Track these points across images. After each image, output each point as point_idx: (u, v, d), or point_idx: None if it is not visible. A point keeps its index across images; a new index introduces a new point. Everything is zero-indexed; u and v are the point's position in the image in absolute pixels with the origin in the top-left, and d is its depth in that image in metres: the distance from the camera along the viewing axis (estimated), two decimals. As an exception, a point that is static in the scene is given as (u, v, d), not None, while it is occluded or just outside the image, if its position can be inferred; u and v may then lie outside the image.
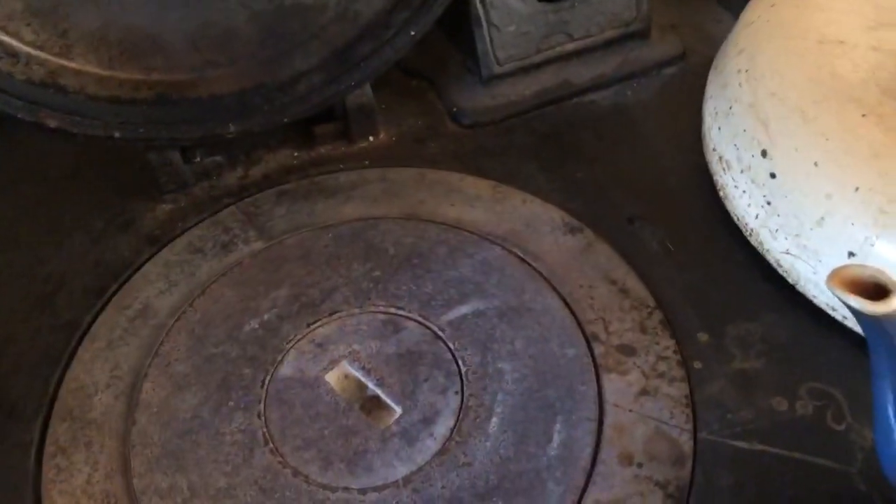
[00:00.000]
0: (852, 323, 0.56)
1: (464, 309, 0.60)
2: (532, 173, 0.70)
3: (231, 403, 0.56)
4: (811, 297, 0.58)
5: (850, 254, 0.54)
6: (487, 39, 0.72)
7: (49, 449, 0.55)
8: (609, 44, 0.77)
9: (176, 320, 0.61)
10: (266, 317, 0.60)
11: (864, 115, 0.56)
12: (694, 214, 0.66)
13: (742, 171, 0.62)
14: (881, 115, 0.55)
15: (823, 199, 0.56)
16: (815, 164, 0.56)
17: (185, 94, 0.63)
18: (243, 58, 0.64)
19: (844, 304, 0.38)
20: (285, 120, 0.67)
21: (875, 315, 0.37)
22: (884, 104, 0.56)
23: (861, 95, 0.57)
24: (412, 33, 0.65)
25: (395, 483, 0.51)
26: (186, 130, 0.65)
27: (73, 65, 0.61)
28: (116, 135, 0.63)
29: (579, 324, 0.59)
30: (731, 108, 0.64)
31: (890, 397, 0.41)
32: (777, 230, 0.59)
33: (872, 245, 0.53)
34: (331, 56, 0.65)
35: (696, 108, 0.71)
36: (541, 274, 0.62)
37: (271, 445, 0.53)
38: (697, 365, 0.56)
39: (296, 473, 0.52)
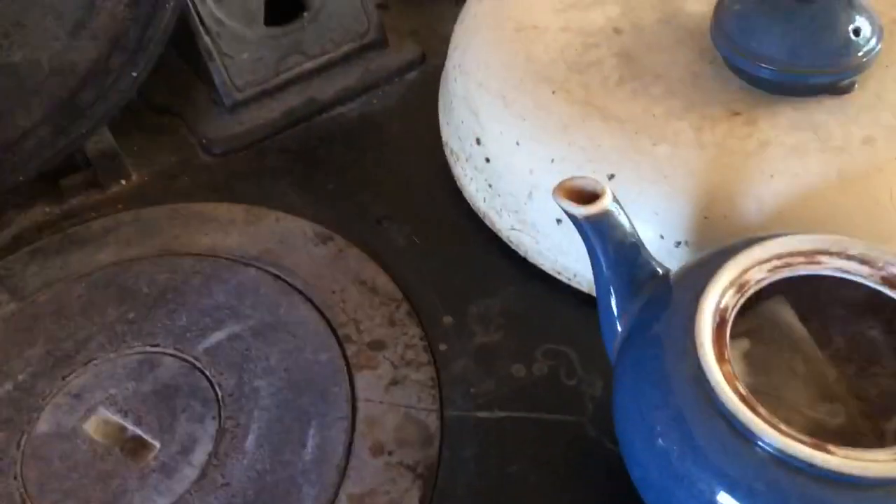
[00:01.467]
0: (577, 282, 0.61)
1: (219, 335, 0.61)
2: (285, 191, 0.72)
3: (-13, 472, 0.55)
4: (539, 266, 0.62)
5: (558, 220, 0.59)
6: (222, 69, 0.73)
7: None
8: (348, 57, 0.79)
9: (-72, 399, 0.60)
10: (20, 377, 0.60)
11: (553, 92, 0.60)
12: (437, 207, 0.69)
13: (467, 160, 0.66)
14: (568, 90, 0.60)
15: (528, 174, 0.60)
16: (517, 143, 0.60)
17: None
18: (-40, 124, 0.63)
19: (564, 210, 0.44)
20: (21, 179, 0.66)
21: (584, 216, 0.43)
22: (570, 79, 0.60)
23: (551, 74, 0.61)
24: (134, 75, 0.66)
25: (155, 517, 0.52)
26: (-88, 205, 0.63)
27: None
28: None
29: (332, 328, 0.61)
30: (451, 102, 0.68)
31: (609, 288, 0.46)
32: (501, 209, 0.63)
33: (573, 210, 0.58)
34: (55, 109, 0.65)
35: (435, 108, 0.75)
36: (294, 287, 0.64)
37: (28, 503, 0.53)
38: (443, 347, 0.59)
39: (55, 527, 0.52)
